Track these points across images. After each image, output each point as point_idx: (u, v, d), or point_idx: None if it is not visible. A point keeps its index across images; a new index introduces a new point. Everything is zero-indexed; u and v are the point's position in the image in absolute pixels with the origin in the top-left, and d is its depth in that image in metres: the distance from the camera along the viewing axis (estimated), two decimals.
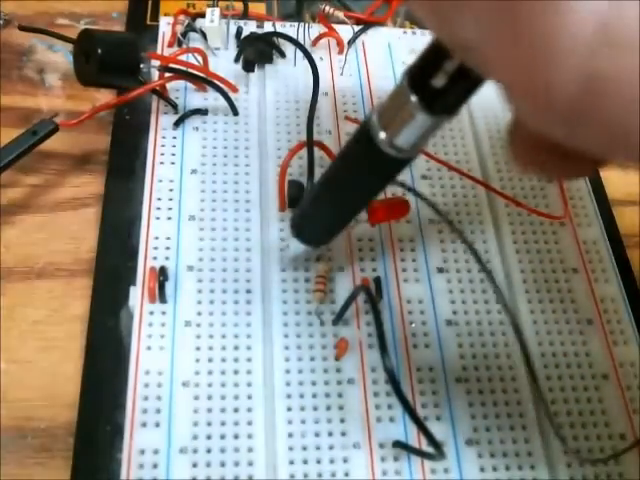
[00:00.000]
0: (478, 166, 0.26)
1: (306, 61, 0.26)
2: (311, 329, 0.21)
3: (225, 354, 0.21)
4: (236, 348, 0.21)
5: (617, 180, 0.28)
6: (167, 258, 0.22)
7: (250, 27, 0.29)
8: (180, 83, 0.26)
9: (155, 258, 0.22)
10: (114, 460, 0.19)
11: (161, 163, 0.24)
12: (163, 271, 0.21)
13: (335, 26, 0.29)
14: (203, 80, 0.26)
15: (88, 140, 0.26)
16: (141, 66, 0.24)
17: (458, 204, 0.25)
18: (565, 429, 0.21)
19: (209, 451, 0.19)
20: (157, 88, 0.25)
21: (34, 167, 0.25)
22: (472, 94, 0.13)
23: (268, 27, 0.29)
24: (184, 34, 0.28)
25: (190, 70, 0.25)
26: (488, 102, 0.28)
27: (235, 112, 0.26)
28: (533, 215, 0.25)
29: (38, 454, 0.20)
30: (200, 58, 0.26)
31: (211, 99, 0.26)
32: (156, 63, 0.25)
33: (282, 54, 0.28)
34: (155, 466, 0.19)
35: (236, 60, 0.27)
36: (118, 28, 0.30)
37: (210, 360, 0.20)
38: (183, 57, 0.26)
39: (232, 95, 0.26)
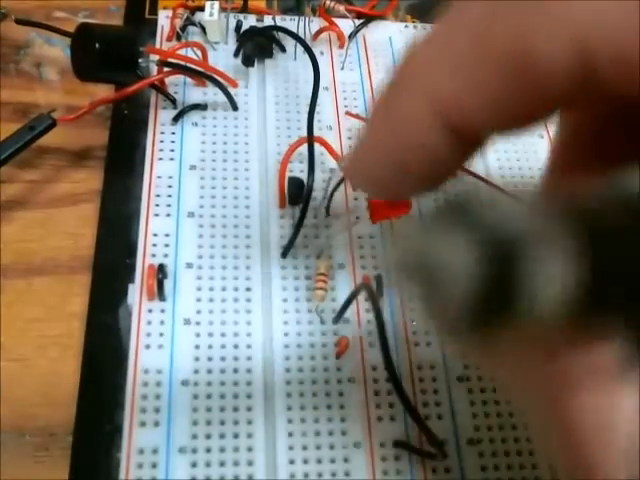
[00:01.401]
0: (480, 162, 0.26)
1: (306, 55, 0.26)
2: (311, 327, 0.21)
3: (224, 352, 0.20)
4: (235, 347, 0.21)
5: None
6: (166, 255, 0.22)
7: (250, 21, 0.29)
8: (179, 78, 0.26)
9: (154, 255, 0.22)
10: (113, 459, 0.19)
11: (160, 159, 0.24)
12: (162, 268, 0.21)
13: (336, 20, 0.29)
14: (202, 75, 0.25)
15: (86, 135, 0.26)
16: (139, 60, 0.24)
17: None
18: None
19: (208, 450, 0.19)
20: (156, 83, 0.25)
21: (31, 162, 0.25)
22: None
23: (268, 21, 0.29)
24: (183, 28, 0.27)
25: (189, 65, 0.25)
26: None
27: (235, 107, 0.26)
28: None
29: (37, 453, 0.20)
30: (199, 52, 0.26)
31: (210, 94, 0.26)
32: (155, 57, 0.25)
33: (282, 48, 0.28)
34: (154, 465, 0.18)
35: (235, 54, 0.27)
36: (116, 22, 0.29)
37: (209, 359, 0.20)
38: (182, 51, 0.26)
39: (232, 90, 0.26)
